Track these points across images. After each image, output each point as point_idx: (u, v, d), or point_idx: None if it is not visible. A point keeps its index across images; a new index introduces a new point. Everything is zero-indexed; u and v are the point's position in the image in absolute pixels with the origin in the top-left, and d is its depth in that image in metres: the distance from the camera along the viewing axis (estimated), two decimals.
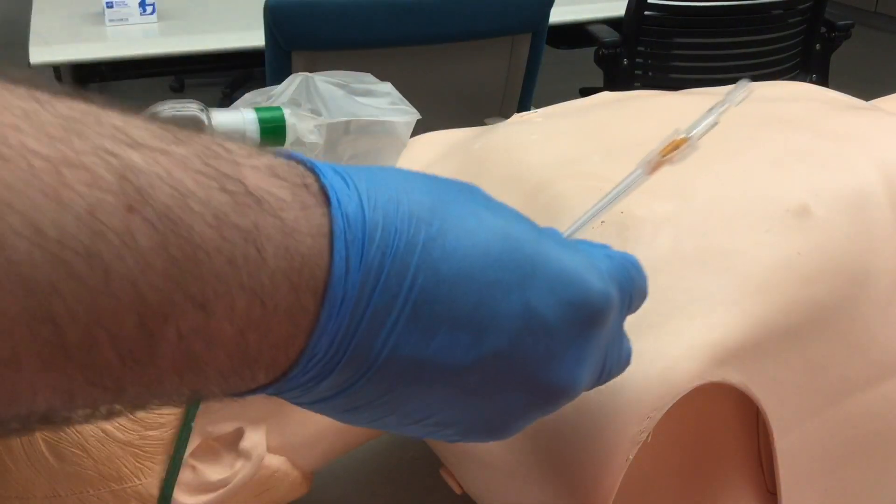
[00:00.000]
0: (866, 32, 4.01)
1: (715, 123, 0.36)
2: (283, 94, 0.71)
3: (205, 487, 0.46)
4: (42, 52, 1.74)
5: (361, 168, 0.27)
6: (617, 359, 0.34)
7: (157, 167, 0.21)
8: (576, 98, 0.71)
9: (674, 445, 0.48)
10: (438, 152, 0.62)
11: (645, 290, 0.34)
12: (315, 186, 0.25)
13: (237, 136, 0.63)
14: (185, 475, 0.46)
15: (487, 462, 0.44)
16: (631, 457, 0.39)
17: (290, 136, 0.67)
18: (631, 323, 0.35)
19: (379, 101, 0.72)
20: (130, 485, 0.44)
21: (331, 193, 0.25)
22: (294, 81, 0.71)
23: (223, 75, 3.33)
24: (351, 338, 0.25)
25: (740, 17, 2.04)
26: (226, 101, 3.14)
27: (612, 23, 2.10)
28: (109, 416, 0.23)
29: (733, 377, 0.41)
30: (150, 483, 0.45)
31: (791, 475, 0.46)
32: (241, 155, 0.23)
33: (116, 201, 0.20)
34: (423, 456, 0.62)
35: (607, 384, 0.34)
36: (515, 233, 0.28)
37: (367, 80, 0.74)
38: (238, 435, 0.47)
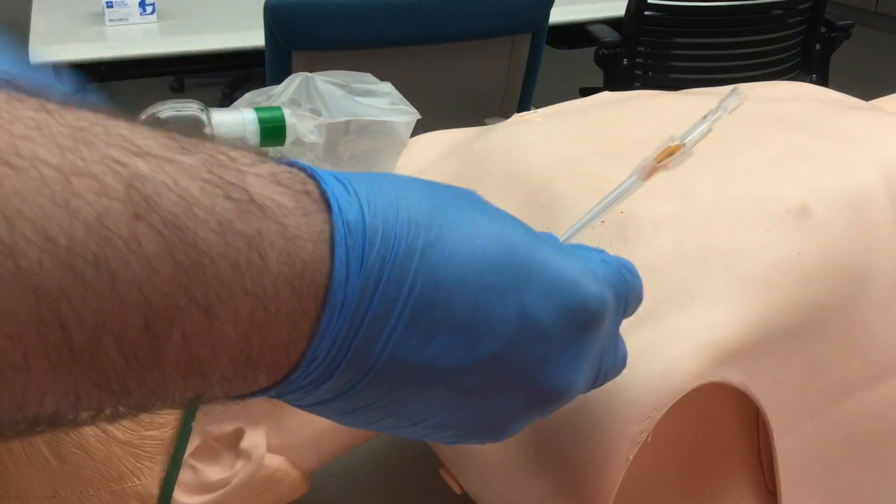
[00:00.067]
0: (866, 32, 4.00)
1: (709, 131, 0.37)
2: (283, 94, 0.71)
3: (205, 487, 0.46)
4: (42, 52, 1.73)
5: (361, 175, 0.27)
6: (613, 362, 0.34)
7: (163, 175, 0.21)
8: (576, 98, 0.71)
9: (674, 445, 0.48)
10: (438, 152, 0.62)
11: (640, 294, 0.34)
12: (316, 193, 0.25)
13: (237, 136, 0.63)
14: (185, 475, 0.46)
15: (487, 462, 0.44)
16: (631, 457, 0.39)
17: (290, 136, 0.66)
18: (631, 323, 0.35)
19: (379, 101, 0.72)
20: (130, 485, 0.44)
21: (332, 200, 0.25)
22: (294, 81, 0.71)
23: (223, 75, 3.33)
24: (351, 341, 0.25)
25: (740, 18, 2.04)
26: (226, 101, 3.15)
27: (612, 23, 2.10)
28: (114, 418, 0.23)
29: (733, 377, 0.41)
30: (150, 483, 0.45)
31: (791, 475, 0.46)
32: (244, 163, 0.24)
33: (124, 209, 0.20)
34: (423, 456, 0.62)
35: (607, 385, 0.35)
36: (512, 238, 0.28)
37: (367, 80, 0.74)
38: (238, 435, 0.47)
